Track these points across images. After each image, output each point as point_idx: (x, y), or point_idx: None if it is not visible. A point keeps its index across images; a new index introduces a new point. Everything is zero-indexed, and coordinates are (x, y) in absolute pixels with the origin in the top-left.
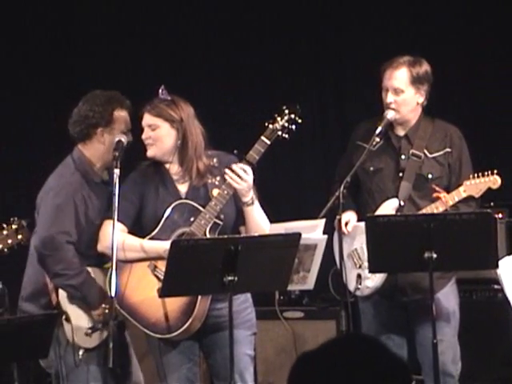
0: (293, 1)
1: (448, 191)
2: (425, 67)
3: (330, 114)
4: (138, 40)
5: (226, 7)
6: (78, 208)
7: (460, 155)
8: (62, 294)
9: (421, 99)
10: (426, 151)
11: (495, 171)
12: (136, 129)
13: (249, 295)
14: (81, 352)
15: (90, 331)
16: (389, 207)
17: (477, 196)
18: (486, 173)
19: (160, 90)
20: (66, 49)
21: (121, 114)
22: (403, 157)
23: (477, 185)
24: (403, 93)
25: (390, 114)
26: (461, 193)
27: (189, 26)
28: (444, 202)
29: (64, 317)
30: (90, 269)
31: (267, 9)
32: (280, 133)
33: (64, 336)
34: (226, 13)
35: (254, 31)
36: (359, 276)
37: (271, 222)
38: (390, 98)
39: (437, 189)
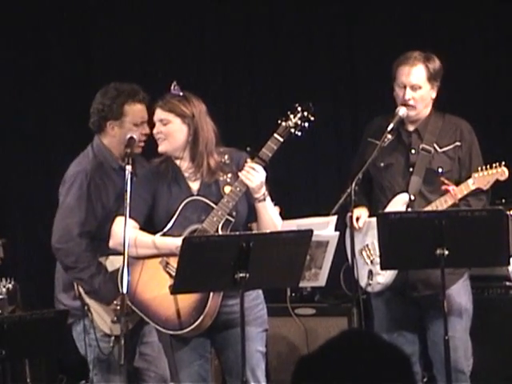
0: None
1: (458, 185)
2: (438, 62)
3: (343, 111)
4: (153, 36)
5: (238, 3)
6: (92, 196)
7: (470, 149)
8: None
9: (434, 94)
10: (436, 145)
11: (503, 163)
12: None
13: (260, 292)
14: (112, 339)
15: (116, 319)
16: (399, 202)
17: (485, 188)
18: (494, 165)
19: (172, 86)
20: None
21: (132, 108)
22: (413, 151)
23: (485, 177)
24: (421, 89)
25: (402, 111)
26: (469, 185)
27: (201, 22)
28: (453, 194)
29: (86, 308)
30: (111, 257)
31: (279, 5)
32: (293, 130)
33: (91, 325)
34: (238, 9)
35: (267, 29)
36: (370, 272)
37: (283, 218)
38: (408, 94)
39: (446, 181)
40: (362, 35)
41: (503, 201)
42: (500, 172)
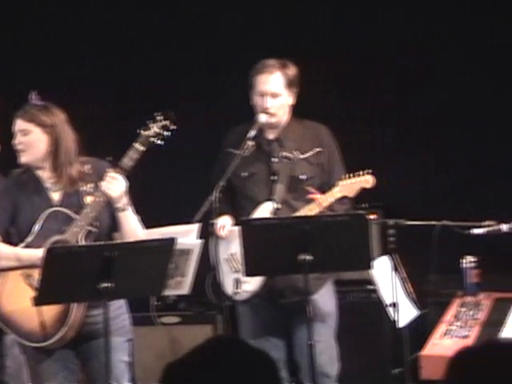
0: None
1: (322, 190)
2: (294, 69)
3: (203, 120)
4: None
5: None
6: None
7: (331, 154)
8: None
9: (292, 101)
10: (297, 152)
11: (369, 171)
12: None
13: (123, 301)
14: None
15: None
16: (264, 210)
17: (351, 196)
18: (359, 173)
19: (31, 96)
20: None
21: None
22: (275, 160)
23: (351, 185)
24: (280, 96)
25: (262, 118)
26: (335, 194)
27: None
28: (319, 203)
29: None
30: None
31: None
32: (153, 139)
33: None
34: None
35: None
36: (237, 280)
37: (146, 227)
38: (269, 102)
39: (311, 190)
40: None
41: (365, 205)
42: (366, 180)
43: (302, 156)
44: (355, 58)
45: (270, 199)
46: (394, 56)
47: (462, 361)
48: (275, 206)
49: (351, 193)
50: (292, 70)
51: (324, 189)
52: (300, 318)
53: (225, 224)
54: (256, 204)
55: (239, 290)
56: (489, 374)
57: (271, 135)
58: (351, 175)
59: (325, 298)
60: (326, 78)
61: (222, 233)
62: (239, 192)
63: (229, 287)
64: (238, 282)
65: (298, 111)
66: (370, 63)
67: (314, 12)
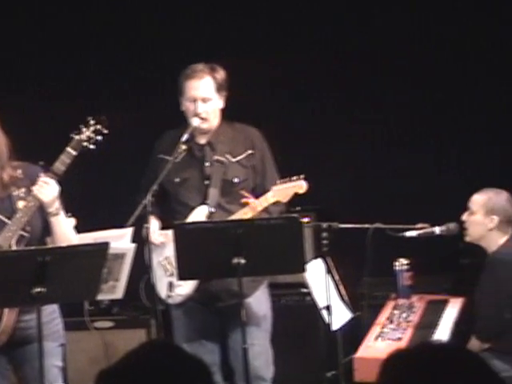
0: None
1: (255, 193)
2: (223, 72)
3: (136, 125)
4: None
5: None
6: None
7: (263, 155)
8: None
9: (222, 104)
10: (229, 156)
11: (302, 176)
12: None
13: (56, 306)
14: None
15: None
16: (199, 215)
17: (284, 201)
18: (293, 178)
19: None
20: None
21: None
22: (207, 164)
23: (284, 190)
24: (211, 101)
25: (195, 122)
26: (269, 199)
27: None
28: (252, 207)
29: None
30: None
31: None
32: (86, 143)
33: None
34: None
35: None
36: (171, 284)
37: (79, 232)
38: (200, 107)
39: (245, 194)
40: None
41: (298, 208)
42: (299, 185)
43: (234, 159)
44: (287, 60)
45: (204, 203)
46: (329, 63)
47: (394, 363)
48: (210, 209)
49: (285, 198)
50: (221, 74)
51: (258, 191)
52: (235, 322)
53: (153, 230)
54: (191, 209)
55: (172, 294)
56: (421, 376)
57: (202, 140)
58: (285, 180)
59: (259, 301)
60: (256, 78)
61: (155, 236)
62: (173, 197)
63: (163, 291)
64: (171, 286)
65: (228, 114)
66: (298, 65)
67: (241, 12)
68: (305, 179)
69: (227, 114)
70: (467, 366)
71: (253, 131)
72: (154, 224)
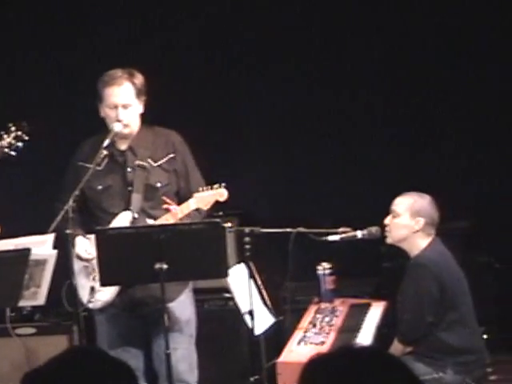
0: None
1: (180, 197)
2: (141, 77)
3: (59, 130)
4: None
5: None
6: None
7: (184, 159)
8: None
9: (141, 109)
10: (150, 160)
11: (223, 184)
12: None
13: None
14: None
15: None
16: (123, 220)
17: (205, 208)
18: (214, 186)
19: None
20: None
21: None
22: (129, 169)
23: (206, 197)
24: (131, 106)
25: (117, 127)
26: (190, 205)
27: None
28: (173, 214)
29: None
30: None
31: None
32: (7, 150)
33: None
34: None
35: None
36: (93, 288)
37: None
38: (121, 114)
39: (167, 201)
40: None
41: (221, 213)
42: (219, 193)
43: (155, 164)
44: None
45: (127, 209)
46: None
47: (314, 367)
48: (133, 215)
49: (206, 205)
50: (139, 79)
51: (182, 194)
52: (158, 327)
53: (85, 248)
54: (114, 215)
55: (93, 299)
56: (342, 380)
57: (123, 145)
58: (206, 188)
59: (183, 306)
60: (173, 84)
61: (87, 256)
62: (96, 205)
63: (85, 296)
64: (93, 290)
65: (156, 120)
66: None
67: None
68: (225, 187)
69: (146, 118)
70: (387, 370)
71: (173, 135)
72: (82, 242)
